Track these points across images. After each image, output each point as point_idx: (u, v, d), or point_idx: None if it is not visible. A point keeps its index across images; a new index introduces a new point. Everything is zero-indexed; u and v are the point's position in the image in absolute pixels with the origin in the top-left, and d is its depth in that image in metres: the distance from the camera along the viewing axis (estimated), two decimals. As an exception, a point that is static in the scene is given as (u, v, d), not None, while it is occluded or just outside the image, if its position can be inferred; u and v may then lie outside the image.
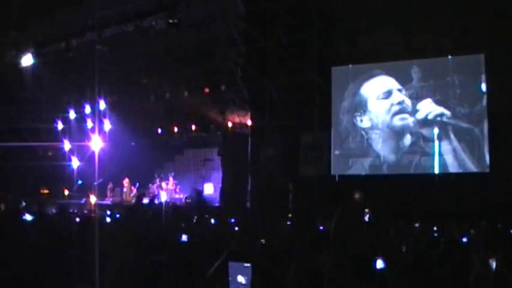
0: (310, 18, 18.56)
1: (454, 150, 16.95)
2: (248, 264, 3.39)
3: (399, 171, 17.76)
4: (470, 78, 17.00)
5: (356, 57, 18.79)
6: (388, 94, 18.08)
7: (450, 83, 17.18)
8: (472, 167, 16.78)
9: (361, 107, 18.51)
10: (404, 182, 16.95)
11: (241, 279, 3.39)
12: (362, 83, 18.51)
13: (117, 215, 11.09)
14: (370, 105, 18.38)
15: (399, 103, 17.87)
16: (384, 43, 17.97)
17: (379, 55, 18.31)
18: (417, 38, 17.41)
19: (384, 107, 18.15)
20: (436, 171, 17.14)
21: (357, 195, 13.76)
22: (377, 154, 18.20)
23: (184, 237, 6.93)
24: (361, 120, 18.44)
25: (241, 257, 3.45)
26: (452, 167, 17.01)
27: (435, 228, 11.61)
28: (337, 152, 18.66)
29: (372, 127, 18.31)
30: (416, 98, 17.70)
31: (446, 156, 17.06)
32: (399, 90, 17.89)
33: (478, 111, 16.81)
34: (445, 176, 16.92)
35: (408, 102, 17.74)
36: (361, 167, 18.37)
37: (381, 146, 18.15)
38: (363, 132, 18.43)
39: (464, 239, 9.00)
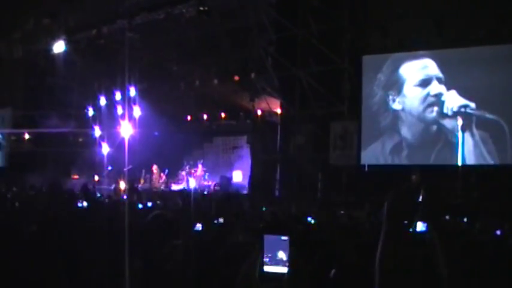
0: (342, 7, 18.37)
1: (479, 142, 16.58)
2: (286, 238, 3.01)
3: (420, 159, 17.50)
4: (502, 68, 16.58)
5: (387, 46, 18.54)
6: (427, 82, 17.64)
7: (480, 73, 16.73)
8: (498, 160, 16.41)
9: (396, 87, 18.07)
10: (433, 173, 16.67)
11: (281, 254, 2.98)
12: (403, 61, 18.02)
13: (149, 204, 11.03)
14: (406, 89, 17.92)
15: (435, 95, 17.40)
16: (416, 32, 17.71)
17: (410, 44, 18.03)
18: (449, 27, 17.11)
19: (419, 95, 17.70)
20: (459, 163, 16.72)
21: (413, 177, 13.77)
22: (400, 138, 17.90)
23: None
24: (393, 100, 18.06)
25: (278, 230, 3.10)
26: (477, 159, 16.66)
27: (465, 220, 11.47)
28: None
29: (403, 110, 17.93)
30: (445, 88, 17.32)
31: (470, 147, 16.66)
32: (439, 79, 17.41)
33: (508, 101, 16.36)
34: (471, 167, 16.55)
35: (445, 93, 17.23)
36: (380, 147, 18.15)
37: (405, 131, 17.81)
38: (393, 113, 18.09)
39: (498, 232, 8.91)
